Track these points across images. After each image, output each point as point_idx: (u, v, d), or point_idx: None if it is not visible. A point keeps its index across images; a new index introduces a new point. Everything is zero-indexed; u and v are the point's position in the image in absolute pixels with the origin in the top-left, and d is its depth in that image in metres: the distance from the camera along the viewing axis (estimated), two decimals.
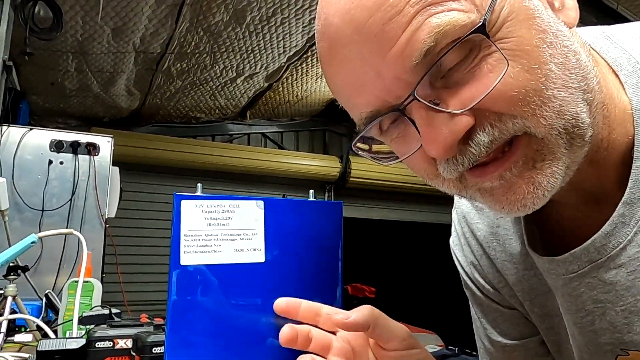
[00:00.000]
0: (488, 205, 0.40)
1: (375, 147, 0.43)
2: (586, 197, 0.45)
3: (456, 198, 0.61)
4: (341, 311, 0.47)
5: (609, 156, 0.42)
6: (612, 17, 2.68)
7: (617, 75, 0.44)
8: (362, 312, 0.46)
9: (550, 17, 0.37)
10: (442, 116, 0.35)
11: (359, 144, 0.42)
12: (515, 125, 0.35)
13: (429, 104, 0.35)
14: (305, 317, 0.50)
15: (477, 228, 0.57)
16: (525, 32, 0.35)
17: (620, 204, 0.41)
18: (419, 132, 0.37)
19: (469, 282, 0.61)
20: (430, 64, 0.34)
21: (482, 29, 0.33)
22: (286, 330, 0.47)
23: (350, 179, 4.56)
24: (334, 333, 0.50)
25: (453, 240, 0.63)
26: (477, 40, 0.34)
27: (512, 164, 0.37)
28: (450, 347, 2.57)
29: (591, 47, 0.45)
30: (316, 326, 0.50)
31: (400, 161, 0.41)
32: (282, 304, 0.50)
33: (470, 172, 0.38)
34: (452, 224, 0.63)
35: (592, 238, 0.43)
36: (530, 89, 0.34)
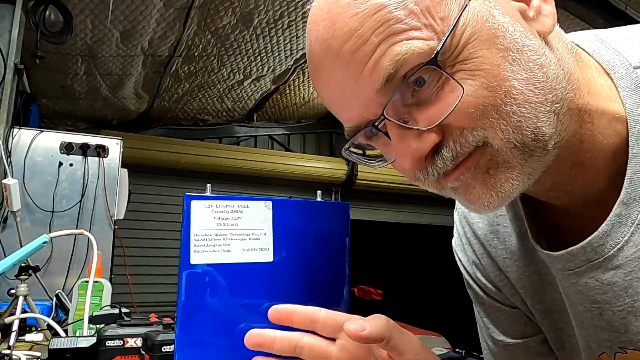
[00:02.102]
0: (460, 203, 0.43)
1: (368, 152, 0.46)
2: (580, 199, 0.46)
3: None
4: (343, 319, 0.44)
5: (595, 158, 0.43)
6: (621, 18, 2.66)
7: (611, 78, 0.44)
8: (378, 324, 0.42)
9: (516, 33, 0.38)
10: (411, 133, 0.39)
11: (352, 149, 0.45)
12: (474, 137, 0.38)
13: (399, 123, 0.39)
14: (301, 324, 0.47)
15: (477, 227, 0.58)
16: (486, 52, 0.37)
17: (616, 204, 0.42)
18: None
19: (471, 281, 0.62)
20: (396, 86, 0.38)
21: (434, 62, 0.36)
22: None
23: (357, 181, 4.56)
24: (333, 339, 0.47)
25: (455, 241, 0.63)
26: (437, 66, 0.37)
27: (465, 169, 0.40)
28: (457, 350, 2.56)
29: (584, 51, 0.46)
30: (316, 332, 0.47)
31: (388, 164, 0.45)
32: (275, 312, 0.47)
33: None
34: (454, 225, 0.63)
35: (590, 238, 0.43)
36: (488, 105, 0.37)
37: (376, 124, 0.40)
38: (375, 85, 0.38)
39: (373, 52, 0.37)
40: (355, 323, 0.42)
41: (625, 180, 0.41)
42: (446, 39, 0.36)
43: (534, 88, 0.37)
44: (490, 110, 0.37)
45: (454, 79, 0.37)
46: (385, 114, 0.38)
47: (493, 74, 0.37)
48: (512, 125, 0.37)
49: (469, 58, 0.37)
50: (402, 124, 0.38)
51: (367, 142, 0.44)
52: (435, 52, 0.36)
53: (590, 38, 0.47)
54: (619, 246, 0.42)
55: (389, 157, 0.43)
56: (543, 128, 0.38)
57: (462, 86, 0.37)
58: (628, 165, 0.41)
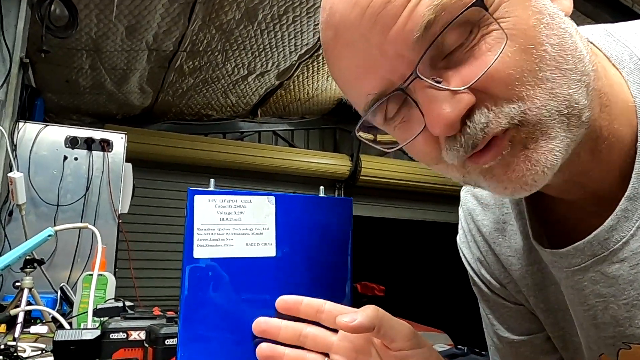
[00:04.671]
0: (492, 187, 0.40)
1: (379, 137, 0.44)
2: (591, 193, 0.46)
3: (462, 195, 0.62)
4: (346, 312, 0.46)
5: (611, 147, 0.42)
6: (628, 15, 2.64)
7: (619, 72, 0.44)
8: (367, 313, 0.45)
9: (545, 1, 0.38)
10: (444, 94, 0.36)
11: (362, 133, 0.43)
12: (511, 110, 0.36)
13: (431, 82, 0.36)
14: (306, 314, 0.50)
15: (482, 224, 0.58)
16: (521, 12, 0.36)
17: (623, 198, 0.42)
18: (421, 113, 0.37)
19: (476, 278, 0.62)
20: (430, 41, 0.35)
21: (480, 2, 0.34)
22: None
23: (361, 177, 4.56)
24: (336, 330, 0.49)
25: (460, 238, 0.63)
26: (475, 19, 0.35)
27: (502, 150, 0.37)
28: (459, 347, 2.56)
29: (593, 44, 0.45)
30: (318, 323, 0.50)
31: (401, 147, 0.42)
32: (282, 302, 0.50)
33: (469, 159, 0.38)
34: (459, 222, 0.63)
35: (595, 232, 0.43)
36: (525, 69, 0.35)
37: (404, 85, 0.37)
38: (411, 36, 0.35)
39: (408, 0, 0.35)
40: (346, 315, 0.45)
41: (633, 175, 0.41)
42: None
43: (565, 55, 0.36)
44: (527, 75, 0.35)
45: (500, 26, 0.35)
46: (417, 71, 0.36)
47: (529, 35, 0.35)
48: (546, 92, 0.36)
49: (505, 16, 0.35)
50: (434, 84, 0.36)
51: (381, 123, 0.42)
52: None
53: (599, 32, 0.47)
54: (624, 240, 0.42)
55: (406, 137, 0.40)
56: (575, 96, 0.36)
57: (506, 34, 0.35)
58: (636, 159, 0.41)
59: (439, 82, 0.36)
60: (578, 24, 0.44)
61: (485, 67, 0.35)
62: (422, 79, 0.36)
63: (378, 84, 0.38)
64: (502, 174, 0.38)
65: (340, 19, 0.38)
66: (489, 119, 0.36)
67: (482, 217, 0.58)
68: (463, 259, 0.63)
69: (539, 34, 0.36)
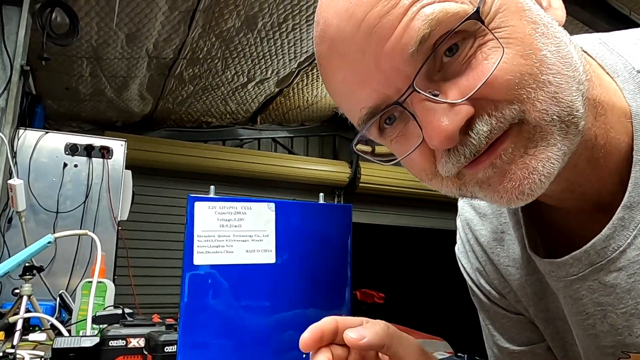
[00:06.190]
0: (488, 197, 0.39)
1: (377, 150, 0.44)
2: (589, 202, 0.46)
3: (460, 205, 0.62)
4: (355, 328, 0.43)
5: (608, 156, 0.42)
6: (625, 23, 2.66)
7: (614, 81, 0.44)
8: (377, 331, 0.42)
9: (539, 11, 0.38)
10: (442, 107, 0.36)
11: (360, 146, 0.42)
12: (512, 112, 0.35)
13: (429, 95, 0.36)
14: (329, 341, 0.44)
15: (480, 234, 0.58)
16: (517, 22, 0.36)
17: (620, 207, 0.42)
18: (419, 126, 0.37)
19: (475, 288, 0.61)
20: (426, 55, 0.35)
21: (476, 15, 0.34)
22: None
23: (360, 184, 4.56)
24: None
25: (458, 248, 0.63)
26: (471, 30, 0.35)
27: (501, 151, 0.37)
28: (459, 354, 2.55)
29: (587, 53, 0.46)
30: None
31: (399, 160, 0.42)
32: (305, 346, 0.42)
33: (467, 167, 0.38)
34: (457, 232, 0.63)
35: (592, 241, 0.43)
36: (525, 73, 0.35)
37: (401, 99, 0.37)
38: (406, 50, 0.35)
39: (404, 14, 0.35)
40: (354, 331, 0.42)
41: (629, 184, 0.41)
42: (481, 1, 0.35)
43: (563, 61, 0.36)
44: (527, 79, 0.35)
45: (495, 36, 0.35)
46: (414, 85, 0.35)
47: (527, 42, 0.35)
48: (549, 96, 0.35)
49: (500, 26, 0.35)
50: (432, 97, 0.36)
51: (377, 137, 0.41)
52: (476, 7, 0.34)
53: (593, 41, 0.47)
54: (621, 249, 0.42)
55: (403, 151, 0.40)
56: (576, 103, 0.36)
57: (503, 46, 0.35)
58: (632, 168, 0.41)
59: (437, 95, 0.36)
60: (575, 32, 0.44)
61: (482, 77, 0.35)
62: (419, 92, 0.36)
63: (373, 97, 0.38)
64: (498, 183, 0.38)
65: (336, 32, 0.38)
66: (491, 126, 0.36)
67: (480, 227, 0.58)
68: (462, 269, 0.63)
69: (536, 41, 0.36)
